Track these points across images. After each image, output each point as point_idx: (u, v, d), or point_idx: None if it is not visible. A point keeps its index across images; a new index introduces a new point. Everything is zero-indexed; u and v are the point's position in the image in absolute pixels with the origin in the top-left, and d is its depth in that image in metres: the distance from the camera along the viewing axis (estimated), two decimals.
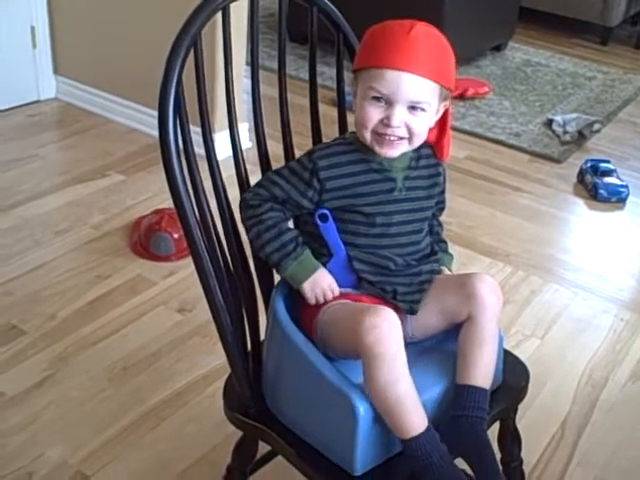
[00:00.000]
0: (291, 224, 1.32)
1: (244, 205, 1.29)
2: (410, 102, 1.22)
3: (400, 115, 1.22)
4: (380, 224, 1.28)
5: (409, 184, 1.31)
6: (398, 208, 1.30)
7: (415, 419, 1.16)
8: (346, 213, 1.28)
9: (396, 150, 1.26)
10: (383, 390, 1.14)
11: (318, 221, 1.27)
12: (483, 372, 1.25)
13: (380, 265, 1.29)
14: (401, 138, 1.25)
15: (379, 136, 1.24)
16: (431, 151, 1.35)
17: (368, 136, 1.25)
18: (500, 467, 1.23)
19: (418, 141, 1.27)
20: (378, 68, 1.21)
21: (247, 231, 1.30)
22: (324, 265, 1.29)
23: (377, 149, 1.26)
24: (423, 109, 1.23)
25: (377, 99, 1.22)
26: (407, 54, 1.20)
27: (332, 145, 1.31)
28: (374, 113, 1.23)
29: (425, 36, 1.22)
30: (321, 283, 1.27)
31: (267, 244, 1.27)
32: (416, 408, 1.16)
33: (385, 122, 1.23)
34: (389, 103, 1.22)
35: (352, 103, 1.29)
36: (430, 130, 1.29)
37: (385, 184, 1.29)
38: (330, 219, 1.27)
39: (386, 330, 1.13)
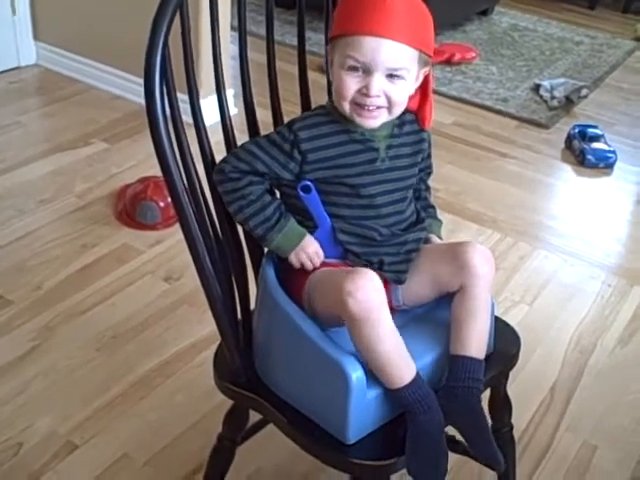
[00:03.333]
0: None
1: (222, 177, 1.25)
2: (388, 70, 1.19)
3: (379, 84, 1.19)
4: (364, 195, 1.27)
5: (392, 153, 1.29)
6: (381, 178, 1.27)
7: (401, 371, 1.17)
8: (329, 185, 1.26)
9: (376, 120, 1.24)
10: (368, 350, 1.15)
11: (301, 192, 1.25)
12: (477, 342, 1.24)
13: (365, 236, 1.27)
14: (380, 107, 1.22)
15: (358, 106, 1.22)
16: (414, 117, 1.32)
17: (347, 107, 1.22)
18: (493, 438, 1.23)
19: (398, 110, 1.24)
20: (354, 35, 1.18)
21: (227, 204, 1.27)
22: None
23: (357, 120, 1.23)
24: (402, 77, 1.20)
25: (354, 68, 1.19)
26: (384, 20, 1.17)
27: (312, 116, 1.28)
28: (352, 83, 1.20)
29: (402, 0, 1.18)
30: (306, 249, 1.26)
31: (250, 218, 1.25)
32: (402, 361, 1.17)
33: (364, 91, 1.20)
34: (367, 72, 1.19)
35: None
36: (411, 97, 1.27)
37: (368, 154, 1.26)
38: (313, 190, 1.25)
39: (367, 291, 1.13)
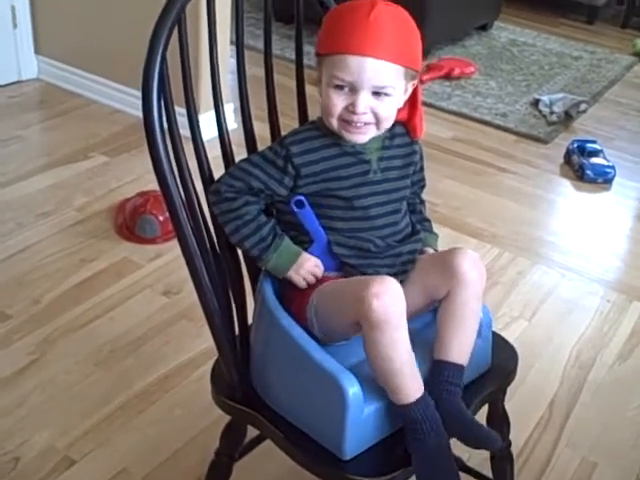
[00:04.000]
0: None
1: (218, 198, 1.25)
2: (374, 87, 1.19)
3: (365, 101, 1.20)
4: (357, 207, 1.27)
5: (384, 165, 1.29)
6: (374, 190, 1.28)
7: (411, 386, 1.16)
8: (322, 198, 1.26)
9: (364, 136, 1.24)
10: (384, 358, 1.15)
11: (294, 208, 1.25)
12: (459, 348, 1.24)
13: (361, 248, 1.27)
14: (367, 123, 1.23)
15: (346, 123, 1.22)
16: (404, 129, 1.33)
17: (335, 123, 1.23)
18: (483, 427, 1.22)
19: (386, 125, 1.25)
20: (339, 54, 1.18)
21: (222, 224, 1.27)
22: (305, 251, 1.27)
23: (345, 135, 1.24)
24: (388, 94, 1.21)
25: (341, 87, 1.20)
26: (369, 38, 1.17)
27: (303, 131, 1.29)
28: (338, 100, 1.21)
29: (387, 16, 1.18)
30: (305, 266, 1.26)
31: (246, 239, 1.25)
32: (414, 376, 1.17)
33: (350, 109, 1.20)
34: (353, 90, 1.20)
35: None
36: (400, 109, 1.27)
37: (360, 166, 1.27)
38: (307, 205, 1.25)
39: (393, 296, 1.13)
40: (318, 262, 1.27)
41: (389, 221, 1.30)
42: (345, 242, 1.27)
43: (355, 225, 1.28)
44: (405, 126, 1.33)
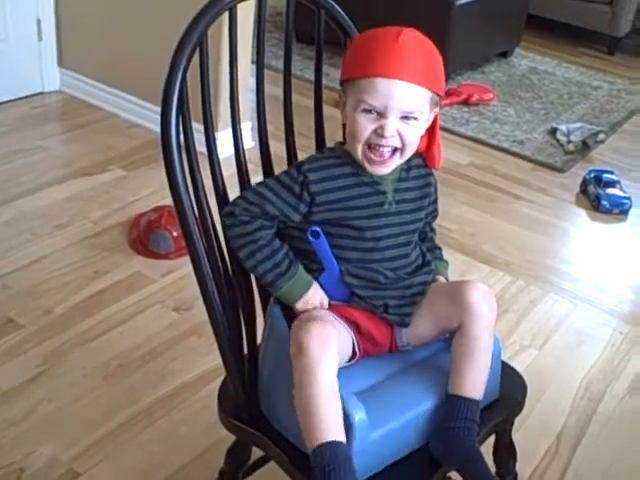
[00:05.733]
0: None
1: (233, 221, 1.24)
2: (402, 112, 1.19)
3: (393, 124, 1.19)
4: (370, 238, 1.26)
5: (399, 197, 1.28)
6: (388, 221, 1.27)
7: (322, 429, 1.12)
8: (335, 227, 1.26)
9: (387, 168, 1.24)
10: (297, 392, 1.14)
11: (310, 238, 1.24)
12: (473, 382, 1.24)
13: (371, 279, 1.26)
14: (394, 151, 1.22)
15: (371, 150, 1.21)
16: (421, 161, 1.32)
17: (359, 150, 1.22)
18: (493, 476, 1.21)
19: (410, 151, 1.24)
20: (368, 78, 1.18)
21: (237, 249, 1.25)
22: (315, 279, 1.27)
23: (367, 167, 1.23)
24: (416, 118, 1.21)
25: (369, 111, 1.19)
26: (397, 61, 1.17)
27: (321, 158, 1.28)
28: (366, 125, 1.20)
29: (413, 42, 1.19)
30: (313, 300, 1.26)
31: (260, 264, 1.24)
32: (329, 422, 1.12)
33: (379, 132, 1.19)
34: (381, 114, 1.19)
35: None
36: (420, 138, 1.27)
37: (375, 197, 1.26)
38: (322, 235, 1.24)
39: (313, 347, 1.12)
40: (325, 298, 1.27)
41: (400, 253, 1.29)
42: (356, 272, 1.26)
43: (366, 256, 1.27)
44: (423, 156, 1.32)
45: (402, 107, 1.18)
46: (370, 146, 1.22)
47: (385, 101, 1.17)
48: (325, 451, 1.11)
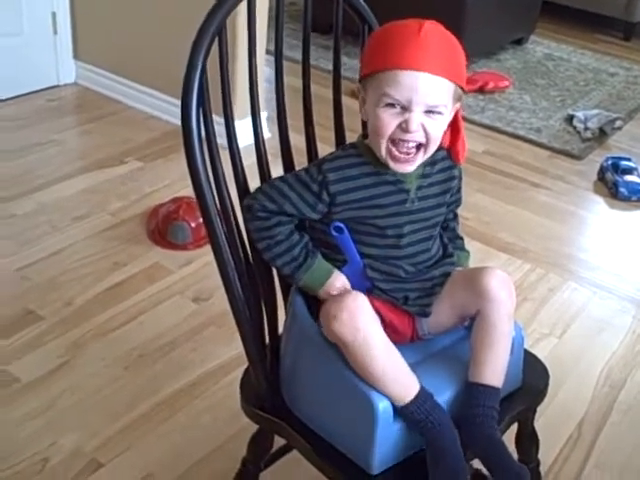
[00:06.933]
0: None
1: (251, 216, 1.24)
2: (427, 106, 1.16)
3: (418, 118, 1.16)
4: (391, 235, 1.25)
5: (421, 194, 1.26)
6: (410, 219, 1.26)
7: (402, 389, 1.16)
8: (357, 224, 1.25)
9: (411, 166, 1.21)
10: (362, 371, 1.15)
11: (334, 233, 1.23)
12: (493, 370, 1.23)
13: (391, 273, 1.26)
14: (418, 147, 1.19)
15: (395, 146, 1.19)
16: (446, 154, 1.30)
17: (383, 146, 1.19)
18: (514, 461, 1.21)
19: (434, 147, 1.21)
20: (390, 71, 1.15)
21: (255, 241, 1.26)
22: (338, 269, 1.26)
23: (392, 165, 1.20)
24: (440, 112, 1.18)
25: (392, 105, 1.16)
26: (421, 53, 1.14)
27: (343, 157, 1.25)
28: (390, 119, 1.17)
29: (435, 34, 1.16)
30: (335, 284, 1.25)
31: (278, 257, 1.25)
32: (401, 378, 1.17)
33: (403, 127, 1.16)
34: (405, 108, 1.16)
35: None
36: (444, 133, 1.24)
37: (398, 196, 1.24)
38: (346, 231, 1.23)
39: (349, 314, 1.14)
40: (347, 283, 1.26)
41: (421, 248, 1.29)
42: (377, 267, 1.26)
43: (387, 253, 1.26)
44: (448, 151, 1.30)
45: (427, 100, 1.15)
46: (394, 142, 1.19)
47: (409, 94, 1.14)
48: (418, 405, 1.16)
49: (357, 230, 1.25)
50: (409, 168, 1.22)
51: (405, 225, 1.25)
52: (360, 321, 1.14)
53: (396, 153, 1.19)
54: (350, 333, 1.13)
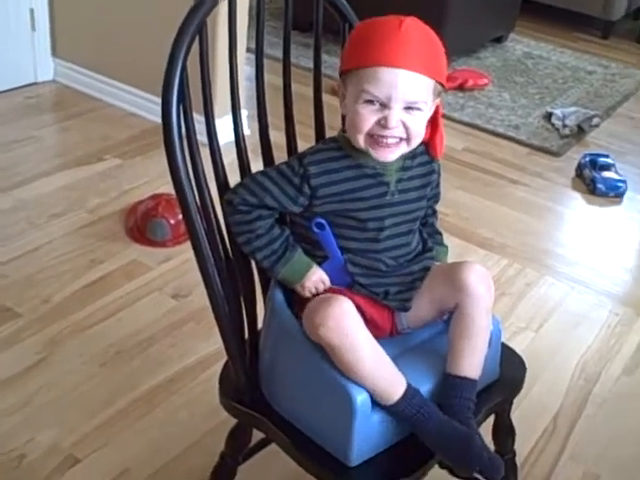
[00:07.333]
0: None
1: (231, 209, 1.25)
2: (407, 102, 1.17)
3: (397, 115, 1.17)
4: (372, 229, 1.26)
5: (402, 186, 1.27)
6: (390, 212, 1.26)
7: (390, 388, 1.17)
8: (337, 217, 1.25)
9: (393, 154, 1.22)
10: (351, 374, 1.16)
11: (315, 229, 1.24)
12: (470, 363, 1.24)
13: (371, 267, 1.27)
14: (400, 140, 1.20)
15: (374, 139, 1.20)
16: (424, 148, 1.30)
17: (362, 140, 1.20)
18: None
19: (417, 141, 1.22)
20: (370, 68, 1.16)
21: (235, 235, 1.27)
22: (318, 265, 1.27)
23: (372, 153, 1.21)
24: (420, 109, 1.19)
25: (371, 102, 1.17)
26: (400, 50, 1.14)
27: (323, 150, 1.26)
28: (369, 115, 1.18)
29: (416, 30, 1.17)
30: (312, 278, 1.26)
31: (258, 251, 1.25)
32: (390, 378, 1.18)
33: (382, 123, 1.17)
34: (384, 104, 1.17)
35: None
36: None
37: (378, 188, 1.25)
38: (327, 227, 1.24)
39: (335, 321, 1.14)
40: (325, 278, 1.27)
41: (401, 242, 1.30)
42: (358, 261, 1.27)
43: (368, 246, 1.27)
44: (426, 145, 1.30)
45: (406, 97, 1.16)
46: (372, 137, 1.20)
47: (388, 91, 1.15)
48: (407, 402, 1.17)
49: (338, 224, 1.25)
50: (390, 156, 1.22)
51: (386, 218, 1.26)
52: (347, 327, 1.15)
53: (375, 144, 1.20)
54: (337, 338, 1.14)
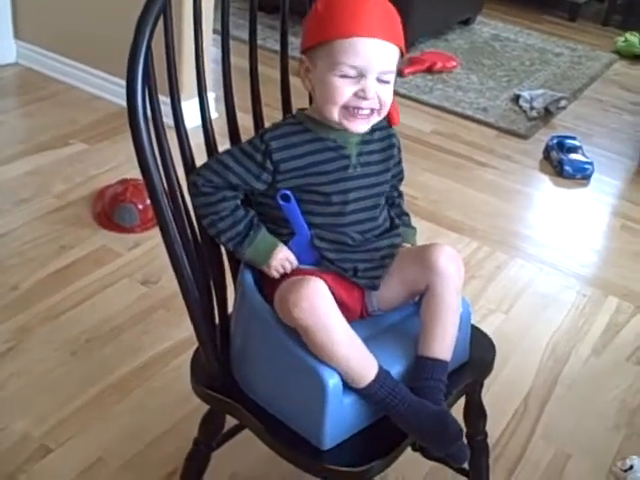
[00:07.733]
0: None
1: (196, 191, 1.24)
2: (381, 72, 1.19)
3: (374, 86, 1.19)
4: (336, 202, 1.26)
5: (363, 160, 1.28)
6: (354, 185, 1.27)
7: (362, 370, 1.17)
8: (302, 193, 1.25)
9: (367, 124, 1.24)
10: (324, 356, 1.16)
11: (281, 201, 1.24)
12: (441, 344, 1.25)
13: (338, 241, 1.27)
14: (372, 111, 1.22)
15: (349, 111, 1.21)
16: (383, 122, 1.31)
17: (336, 112, 1.21)
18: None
19: (385, 111, 1.24)
20: (344, 39, 1.16)
21: (200, 217, 1.26)
22: (285, 244, 1.27)
23: (346, 124, 1.22)
24: (389, 81, 1.21)
25: (347, 73, 1.18)
26: (372, 20, 1.16)
27: (283, 125, 1.27)
28: (346, 87, 1.19)
29: (375, 1, 1.19)
30: (277, 257, 1.25)
31: (222, 233, 1.25)
32: (362, 360, 1.18)
33: (360, 95, 1.19)
34: (361, 75, 1.18)
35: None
36: None
37: (340, 162, 1.26)
38: (293, 199, 1.24)
39: (311, 299, 1.14)
40: (291, 256, 1.27)
41: (367, 216, 1.30)
42: (324, 236, 1.27)
43: (333, 220, 1.27)
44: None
45: (382, 67, 1.18)
46: (347, 108, 1.21)
47: (365, 61, 1.17)
48: (380, 384, 1.17)
49: (303, 199, 1.25)
50: (364, 127, 1.24)
51: (350, 192, 1.27)
52: (320, 306, 1.15)
53: (349, 115, 1.21)
54: (311, 319, 1.14)
